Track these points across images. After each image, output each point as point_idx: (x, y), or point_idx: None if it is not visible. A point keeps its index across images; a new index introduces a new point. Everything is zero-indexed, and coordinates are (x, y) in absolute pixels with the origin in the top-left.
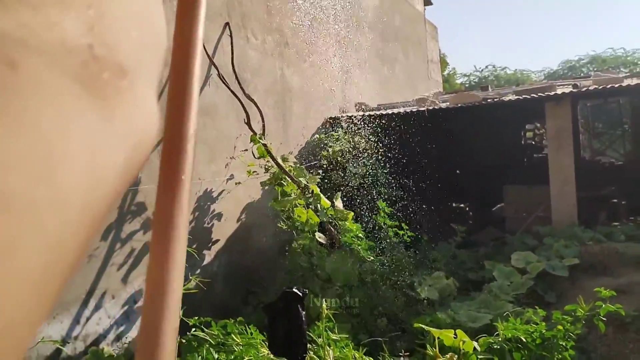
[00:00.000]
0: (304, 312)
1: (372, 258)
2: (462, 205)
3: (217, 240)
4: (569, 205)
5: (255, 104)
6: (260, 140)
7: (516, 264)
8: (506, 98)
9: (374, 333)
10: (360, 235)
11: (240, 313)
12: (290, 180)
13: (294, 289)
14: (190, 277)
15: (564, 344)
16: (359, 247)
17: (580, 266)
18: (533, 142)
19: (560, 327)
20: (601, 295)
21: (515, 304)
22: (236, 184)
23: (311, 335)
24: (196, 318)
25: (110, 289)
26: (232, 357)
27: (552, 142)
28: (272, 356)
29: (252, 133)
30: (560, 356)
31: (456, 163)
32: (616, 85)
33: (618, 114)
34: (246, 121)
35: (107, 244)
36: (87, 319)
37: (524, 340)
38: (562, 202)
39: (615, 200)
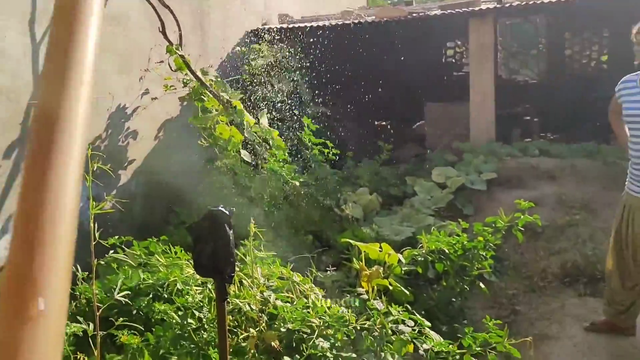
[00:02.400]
0: (231, 231)
1: (297, 179)
2: (383, 122)
3: (134, 160)
4: (488, 121)
5: (171, 11)
6: (177, 52)
7: (437, 179)
8: (431, 13)
9: (300, 251)
10: (285, 157)
11: (162, 233)
12: (211, 96)
13: (219, 208)
14: (106, 197)
15: (484, 253)
16: (284, 171)
17: (497, 180)
18: (453, 60)
19: (481, 238)
20: (520, 207)
21: (436, 217)
22: (152, 99)
23: (239, 254)
24: (116, 238)
25: None
26: (156, 277)
27: (474, 58)
28: (196, 275)
29: (167, 43)
30: (479, 265)
31: (379, 80)
32: (538, 1)
33: (534, 34)
34: (161, 30)
35: (11, 162)
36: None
37: (447, 251)
38: (481, 118)
39: (528, 118)
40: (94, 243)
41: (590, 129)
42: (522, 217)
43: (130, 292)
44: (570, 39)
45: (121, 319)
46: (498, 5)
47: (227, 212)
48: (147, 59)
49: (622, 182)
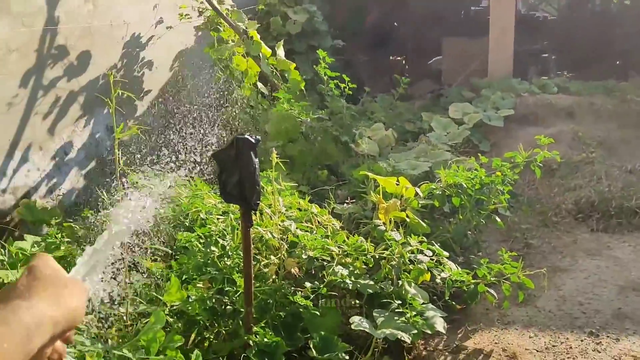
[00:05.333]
0: (256, 159)
1: (310, 115)
2: (399, 57)
3: (150, 91)
4: (506, 57)
5: None
6: None
7: (453, 115)
8: None
9: (316, 184)
10: (302, 88)
11: None
12: (227, 25)
13: (246, 136)
14: (129, 125)
15: (501, 188)
16: (296, 107)
17: (514, 116)
18: None
19: (499, 173)
20: (540, 143)
21: (453, 153)
22: (167, 28)
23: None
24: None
25: (37, 140)
26: (178, 208)
27: None
28: (218, 204)
29: None
30: (496, 200)
31: (395, 14)
32: None
33: None
34: None
35: (28, 91)
36: (14, 172)
37: (464, 185)
38: (500, 53)
39: (546, 55)
40: (119, 169)
41: (609, 67)
42: (541, 153)
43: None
44: None
45: (145, 245)
46: None
47: (252, 140)
48: None
49: None
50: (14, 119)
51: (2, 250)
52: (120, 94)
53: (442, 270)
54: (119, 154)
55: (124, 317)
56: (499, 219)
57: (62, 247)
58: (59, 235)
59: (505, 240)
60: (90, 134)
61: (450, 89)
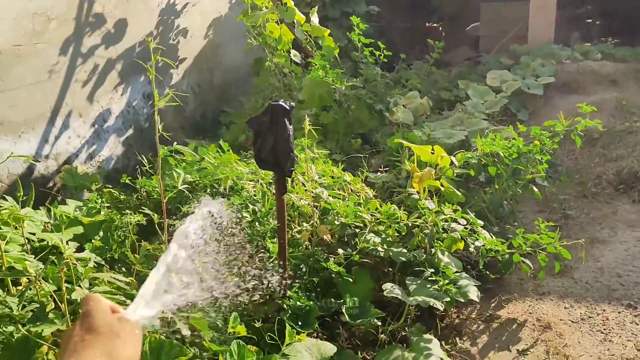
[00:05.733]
0: (291, 126)
1: (344, 82)
2: (435, 24)
3: (185, 59)
4: (547, 23)
5: None
6: None
7: (491, 82)
8: None
9: (350, 153)
10: (325, 63)
11: (212, 133)
12: None
13: (280, 102)
14: (167, 91)
15: (539, 158)
16: (334, 73)
17: (554, 84)
18: None
19: (537, 142)
20: (581, 111)
21: (490, 122)
22: None
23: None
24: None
25: (77, 107)
26: (211, 175)
27: None
28: (244, 171)
29: None
30: (533, 169)
31: None
32: None
33: None
34: None
35: (67, 59)
36: (56, 138)
37: (501, 154)
38: (541, 19)
39: (590, 20)
40: (158, 135)
41: None
42: (582, 121)
43: (189, 187)
44: None
45: (182, 208)
46: None
47: (287, 106)
48: None
49: None
50: (54, 87)
51: (48, 213)
52: (159, 61)
53: (477, 239)
54: (157, 120)
55: None
56: (536, 189)
57: (102, 212)
58: (99, 200)
59: (542, 211)
60: (128, 101)
61: (488, 56)
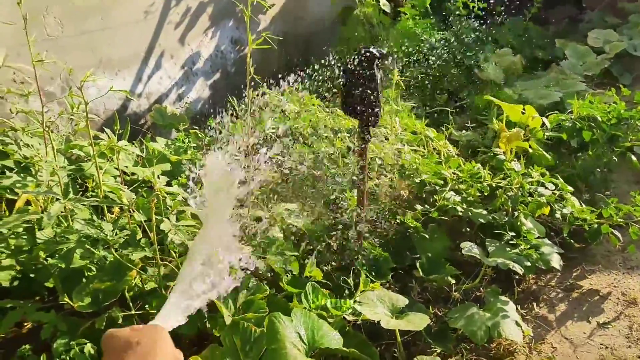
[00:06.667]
0: (379, 74)
1: (433, 35)
2: None
3: (272, 5)
4: None
5: None
6: None
7: (593, 43)
8: None
9: (434, 108)
10: (427, 6)
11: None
12: None
13: (372, 49)
14: (262, 34)
15: None
16: (423, 24)
17: None
18: None
19: None
20: None
21: (588, 85)
22: None
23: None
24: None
25: (169, 49)
26: (294, 122)
27: None
28: (323, 114)
29: None
30: (634, 137)
31: None
32: None
33: None
34: None
35: (162, 0)
36: (149, 77)
37: (599, 119)
38: None
39: None
40: (249, 77)
41: None
42: None
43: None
44: None
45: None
46: None
47: (378, 54)
48: None
49: None
50: (149, 27)
51: (140, 147)
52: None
53: (564, 206)
54: (250, 62)
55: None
56: (634, 158)
57: (189, 152)
58: (186, 140)
59: (638, 182)
60: (216, 45)
61: (592, 14)
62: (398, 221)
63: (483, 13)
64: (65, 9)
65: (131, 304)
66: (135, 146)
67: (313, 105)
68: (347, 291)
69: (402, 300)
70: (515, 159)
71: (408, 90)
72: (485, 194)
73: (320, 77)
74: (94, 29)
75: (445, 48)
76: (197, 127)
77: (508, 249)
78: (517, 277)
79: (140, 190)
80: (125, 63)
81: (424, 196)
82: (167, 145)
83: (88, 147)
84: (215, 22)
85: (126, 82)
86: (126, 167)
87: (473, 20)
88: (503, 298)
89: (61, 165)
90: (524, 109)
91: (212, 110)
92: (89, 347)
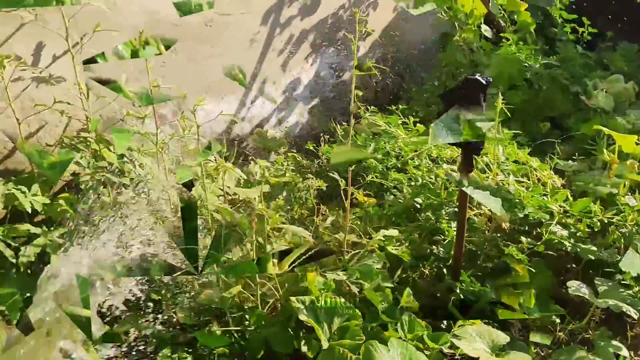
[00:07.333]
0: (485, 103)
1: (538, 61)
2: None
3: (372, 32)
4: None
5: None
6: None
7: None
8: None
9: (537, 137)
10: (531, 31)
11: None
12: None
13: (477, 76)
14: (367, 61)
15: None
16: (527, 49)
17: None
18: None
19: None
20: None
21: None
22: None
23: None
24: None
25: (271, 75)
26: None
27: None
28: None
29: None
30: None
31: None
32: None
33: None
34: None
35: (267, 28)
36: (252, 102)
37: None
38: None
39: None
40: (353, 103)
41: None
42: None
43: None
44: None
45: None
46: None
47: (484, 82)
48: None
49: None
50: (254, 54)
51: (242, 169)
52: (357, 30)
53: None
54: (354, 90)
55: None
56: None
57: (287, 174)
58: (285, 163)
59: None
60: (316, 71)
61: None
62: (497, 254)
63: (591, 38)
64: (179, 37)
65: (230, 319)
66: (238, 168)
67: (416, 130)
68: (445, 323)
69: (503, 338)
70: (630, 193)
71: (510, 117)
72: (596, 229)
73: (420, 102)
74: (204, 56)
75: (550, 74)
76: (295, 151)
77: (621, 289)
78: (629, 320)
79: (241, 210)
80: (231, 88)
81: (526, 228)
82: (267, 168)
83: (196, 168)
84: (316, 49)
85: (231, 107)
86: (228, 187)
87: (581, 45)
88: (615, 343)
89: (172, 184)
90: (638, 139)
91: (310, 135)
92: None
